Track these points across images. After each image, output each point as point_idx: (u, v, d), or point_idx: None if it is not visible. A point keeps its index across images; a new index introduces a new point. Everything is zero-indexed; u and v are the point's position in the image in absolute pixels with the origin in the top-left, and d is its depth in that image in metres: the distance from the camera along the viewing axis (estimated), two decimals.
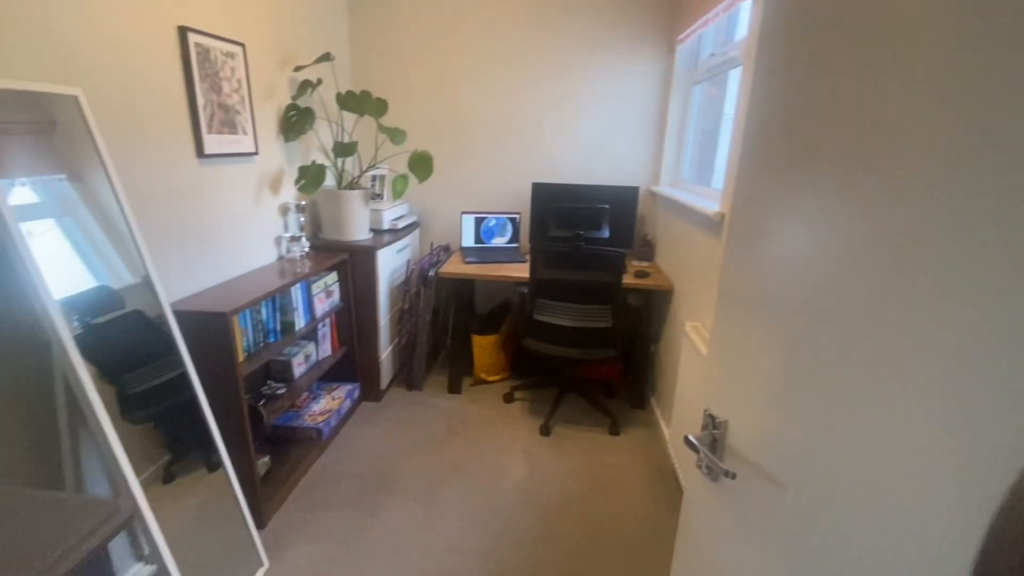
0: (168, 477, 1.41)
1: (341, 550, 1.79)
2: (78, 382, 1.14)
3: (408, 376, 2.95)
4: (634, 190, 2.93)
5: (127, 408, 1.29)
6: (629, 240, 2.98)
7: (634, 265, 2.82)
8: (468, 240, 3.08)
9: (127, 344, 1.33)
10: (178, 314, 1.54)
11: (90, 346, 1.20)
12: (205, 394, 1.55)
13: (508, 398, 2.83)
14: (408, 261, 3.09)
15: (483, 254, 2.94)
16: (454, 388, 2.91)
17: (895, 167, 0.44)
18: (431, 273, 2.78)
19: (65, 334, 1.12)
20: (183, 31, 1.68)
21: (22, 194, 1.11)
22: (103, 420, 1.18)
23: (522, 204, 3.21)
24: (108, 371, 1.25)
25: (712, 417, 0.72)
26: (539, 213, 3.01)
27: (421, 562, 1.75)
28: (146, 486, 1.29)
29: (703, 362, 1.79)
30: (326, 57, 2.38)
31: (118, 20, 1.44)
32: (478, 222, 3.07)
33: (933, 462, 0.39)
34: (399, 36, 2.99)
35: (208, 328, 1.63)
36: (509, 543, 1.85)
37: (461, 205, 3.25)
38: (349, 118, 2.79)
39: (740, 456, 0.67)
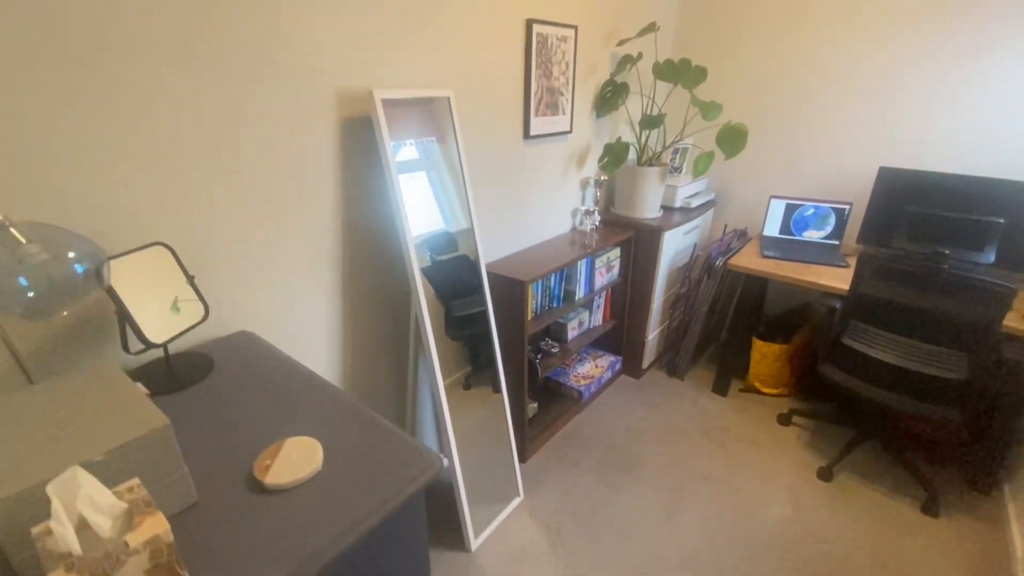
0: (467, 385, 1.78)
1: (582, 513, 1.94)
2: (418, 301, 1.51)
3: (671, 362, 2.87)
4: None
5: (450, 326, 1.66)
6: None
7: None
8: (772, 229, 2.67)
9: (457, 278, 1.68)
10: (490, 275, 1.84)
11: (434, 275, 1.57)
12: (499, 344, 1.85)
13: (784, 420, 2.46)
14: (695, 244, 2.91)
15: (788, 248, 2.51)
16: (719, 388, 2.69)
17: None
18: (719, 262, 2.54)
19: (415, 264, 1.48)
20: (529, 24, 1.86)
21: (408, 152, 1.47)
22: (430, 333, 1.53)
23: (858, 192, 2.57)
24: (442, 295, 1.62)
25: None
26: (882, 208, 2.35)
27: (651, 559, 1.76)
28: (450, 389, 1.66)
29: None
30: (651, 28, 2.30)
31: (483, 24, 1.70)
32: (790, 209, 2.61)
33: None
34: None
35: (509, 290, 1.91)
36: None
37: (771, 187, 2.82)
38: (662, 89, 2.68)
39: None
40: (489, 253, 2.06)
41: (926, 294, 1.74)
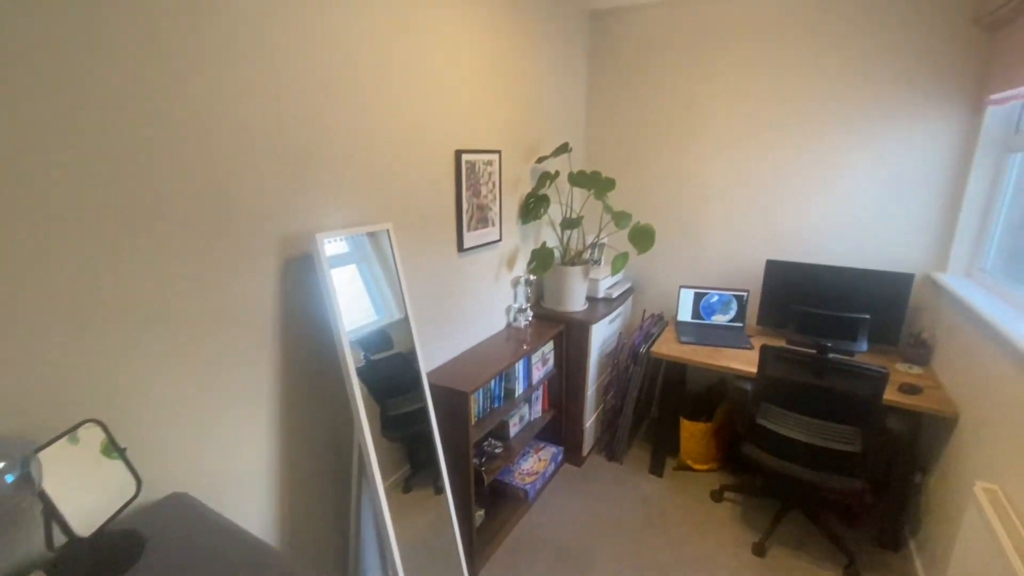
0: (407, 488, 1.72)
1: None
2: (354, 398, 1.49)
3: (609, 445, 2.97)
4: (907, 277, 2.40)
5: (387, 426, 1.63)
6: (895, 336, 2.45)
7: (900, 370, 2.30)
8: (685, 314, 2.95)
9: (392, 377, 1.67)
10: (432, 387, 1.87)
11: (369, 375, 1.56)
12: (443, 456, 1.84)
13: (716, 496, 2.60)
14: (620, 333, 3.12)
15: (701, 332, 2.78)
16: (656, 469, 2.80)
17: None
18: (642, 350, 2.75)
19: (351, 363, 1.48)
20: (458, 153, 2.05)
21: (338, 246, 1.48)
22: (366, 429, 1.51)
23: (752, 281, 2.94)
24: (377, 395, 1.59)
25: None
26: (773, 293, 2.71)
27: None
28: (390, 493, 1.60)
29: (998, 554, 1.35)
30: (564, 148, 2.60)
31: (416, 159, 1.85)
32: (698, 297, 2.92)
33: None
34: (632, 117, 3.07)
35: (452, 401, 1.94)
36: None
37: (680, 276, 3.14)
38: (578, 196, 2.97)
39: None
40: (430, 361, 2.10)
41: (819, 378, 2.01)
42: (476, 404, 2.15)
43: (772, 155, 2.75)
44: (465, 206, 2.12)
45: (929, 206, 2.46)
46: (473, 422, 2.12)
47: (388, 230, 1.66)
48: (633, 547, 2.28)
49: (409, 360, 1.76)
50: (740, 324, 2.85)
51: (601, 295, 2.94)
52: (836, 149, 2.60)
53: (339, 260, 1.49)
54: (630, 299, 3.26)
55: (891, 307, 2.44)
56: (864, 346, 2.06)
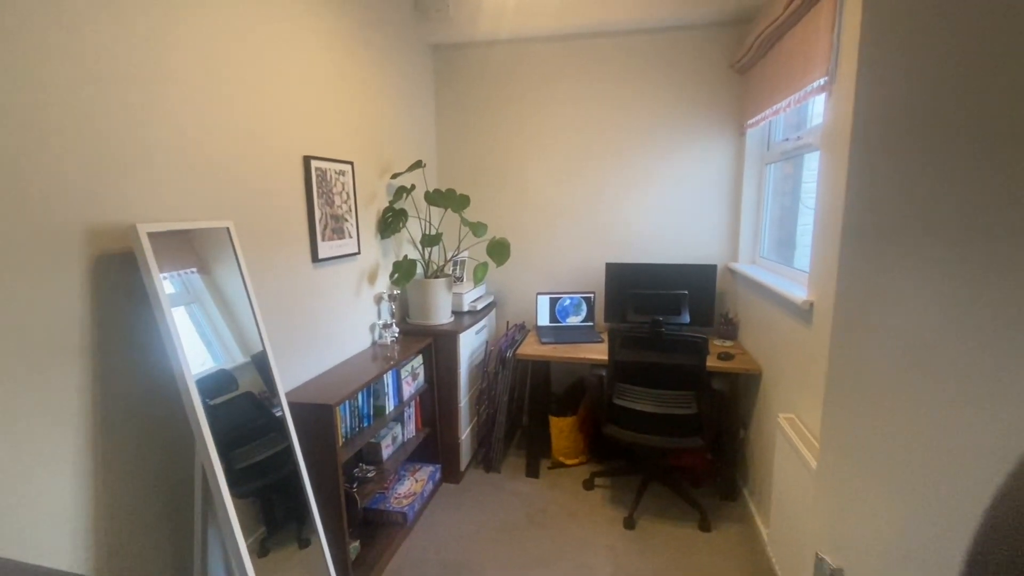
0: (263, 551, 1.50)
1: None
2: (207, 454, 1.29)
3: (486, 457, 2.97)
4: (712, 268, 2.91)
5: (233, 482, 1.40)
6: (710, 318, 2.92)
7: (716, 345, 2.74)
8: (543, 319, 3.16)
9: (238, 422, 1.46)
10: (291, 406, 1.71)
11: (209, 423, 1.34)
12: (309, 481, 1.67)
13: (588, 485, 2.76)
14: (487, 342, 3.21)
15: (559, 333, 3.00)
16: (532, 471, 2.88)
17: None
18: (508, 354, 2.86)
19: (200, 412, 1.29)
20: (307, 159, 1.98)
21: (164, 285, 1.31)
22: (224, 489, 1.31)
23: (597, 283, 3.27)
24: (220, 447, 1.37)
25: (824, 562, 0.69)
26: (614, 292, 3.05)
27: None
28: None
29: (802, 464, 1.68)
30: (418, 164, 2.68)
31: (260, 159, 1.75)
32: (553, 302, 3.15)
33: None
34: (480, 140, 3.30)
35: (315, 417, 1.79)
36: None
37: (536, 285, 3.37)
38: (436, 212, 3.06)
39: None
40: (287, 381, 1.92)
41: (657, 352, 2.30)
42: (343, 423, 2.02)
43: (597, 174, 3.16)
44: (318, 214, 2.05)
45: (720, 210, 3.04)
46: (341, 442, 1.97)
47: (228, 228, 1.53)
48: (517, 547, 2.29)
49: (259, 400, 1.56)
50: (591, 323, 3.14)
51: (466, 308, 3.00)
52: (646, 167, 3.09)
53: (170, 266, 1.32)
54: (493, 312, 3.38)
55: (704, 294, 2.92)
56: (687, 318, 2.43)
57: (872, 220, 0.66)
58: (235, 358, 1.51)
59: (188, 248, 1.41)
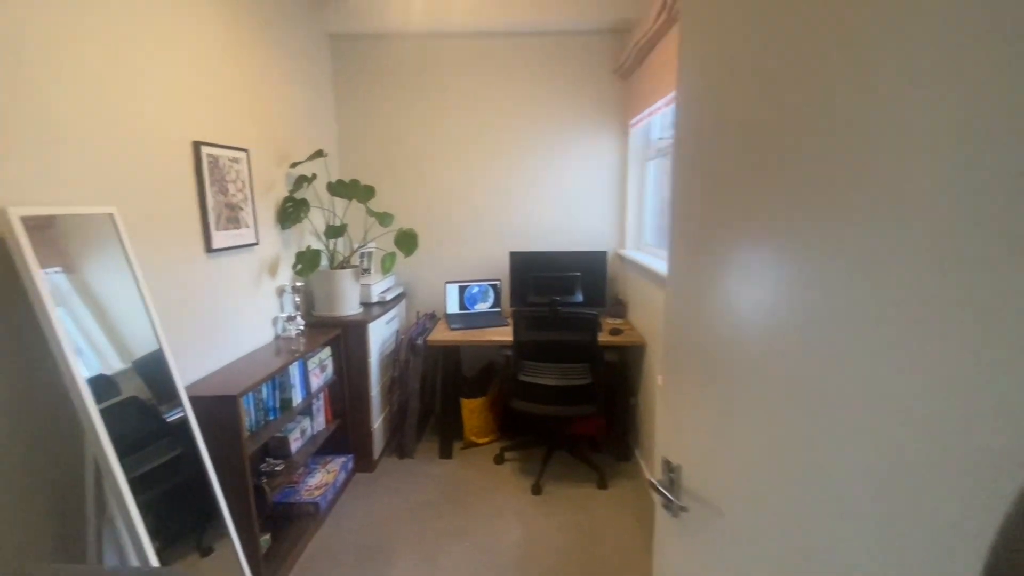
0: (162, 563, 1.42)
1: None
2: (106, 462, 1.25)
3: (399, 444, 3.03)
4: (603, 254, 3.21)
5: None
6: (602, 300, 3.21)
7: (609, 323, 3.04)
8: (453, 307, 3.27)
9: (123, 431, 1.36)
10: (191, 400, 1.66)
11: (104, 429, 1.26)
12: (215, 475, 1.65)
13: (499, 459, 2.93)
14: (397, 331, 3.25)
15: (468, 320, 3.13)
16: (445, 453, 2.99)
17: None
18: (419, 341, 2.93)
19: (95, 415, 1.24)
20: (197, 145, 1.91)
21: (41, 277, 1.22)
22: (127, 496, 1.28)
23: (502, 271, 3.44)
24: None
25: (668, 463, 0.89)
26: (518, 279, 3.24)
27: None
28: None
29: None
30: (319, 154, 2.65)
31: (144, 142, 1.67)
32: (461, 290, 3.27)
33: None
34: (385, 131, 3.31)
35: (218, 410, 1.75)
36: None
37: (445, 275, 3.47)
38: (340, 203, 3.03)
39: (691, 493, 0.84)
40: (186, 377, 1.84)
41: (555, 330, 2.51)
42: (248, 417, 1.98)
43: (501, 168, 3.33)
44: (211, 202, 1.98)
45: (610, 202, 3.35)
46: (246, 435, 1.94)
47: (112, 215, 1.45)
48: (432, 523, 2.39)
49: (146, 404, 1.45)
50: (498, 309, 3.31)
51: (375, 299, 3.02)
52: (545, 162, 3.31)
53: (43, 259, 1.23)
54: (403, 302, 3.42)
55: (597, 278, 3.21)
56: (580, 297, 2.68)
57: (684, 212, 0.87)
58: (112, 362, 1.39)
59: (53, 245, 1.28)
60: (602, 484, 2.66)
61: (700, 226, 0.81)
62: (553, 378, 2.60)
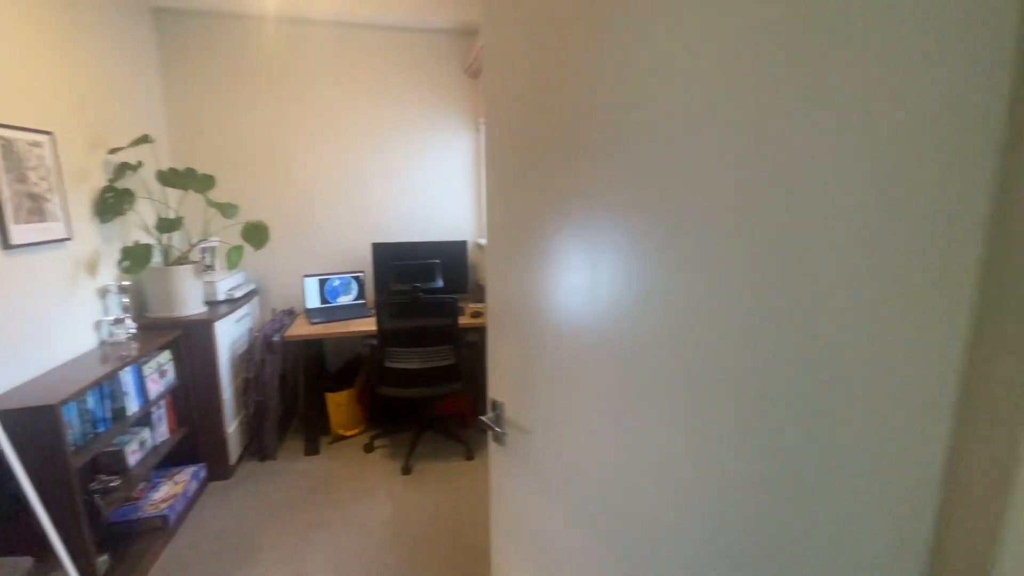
0: None
1: None
2: None
3: (260, 447, 2.90)
4: (463, 244, 3.40)
5: None
6: (464, 286, 3.41)
7: (472, 307, 3.24)
8: (313, 302, 3.20)
9: None
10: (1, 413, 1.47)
11: None
12: (34, 497, 1.48)
13: (368, 448, 2.97)
14: (250, 329, 3.09)
15: (330, 313, 3.10)
16: (311, 450, 2.94)
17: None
18: (275, 338, 2.84)
19: None
20: None
21: None
22: None
23: (366, 262, 3.45)
24: None
25: (494, 401, 1.09)
26: (381, 270, 3.29)
27: None
28: None
29: None
30: (144, 139, 2.41)
31: None
32: (322, 283, 3.22)
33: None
34: (222, 115, 3.09)
35: (32, 424, 1.56)
36: None
37: (303, 268, 3.36)
38: (175, 194, 2.78)
39: (510, 422, 1.04)
40: None
41: (418, 315, 2.64)
42: (71, 431, 1.78)
43: (360, 159, 3.33)
44: (6, 192, 1.73)
45: (468, 193, 3.55)
46: (71, 450, 1.75)
47: None
48: (298, 517, 2.37)
49: None
50: (363, 301, 3.32)
51: (221, 297, 2.84)
52: (404, 155, 3.40)
53: None
54: (256, 300, 3.25)
55: (459, 265, 3.39)
56: (441, 283, 2.85)
57: (493, 193, 1.07)
58: None
59: None
60: (469, 456, 2.87)
61: (504, 210, 1.02)
62: (418, 362, 2.72)
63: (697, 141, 0.59)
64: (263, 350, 2.85)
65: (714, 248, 0.59)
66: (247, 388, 2.93)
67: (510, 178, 0.98)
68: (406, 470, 2.73)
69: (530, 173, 0.91)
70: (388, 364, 2.73)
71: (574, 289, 0.82)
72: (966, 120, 0.42)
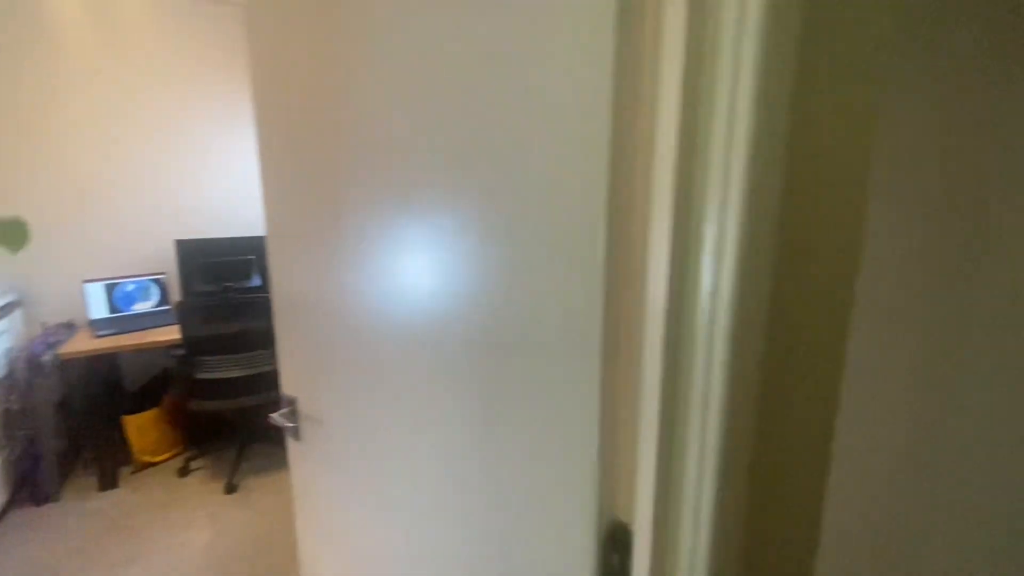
0: None
1: None
2: None
3: (34, 490, 2.41)
4: None
5: None
6: None
7: None
8: (100, 311, 2.73)
9: None
10: None
11: None
12: None
13: (183, 472, 2.65)
14: (10, 349, 2.52)
15: (123, 324, 2.67)
16: (108, 484, 2.53)
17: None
18: (46, 357, 2.36)
19: None
20: None
21: None
22: None
23: (169, 263, 3.03)
24: None
25: (288, 397, 1.08)
26: (188, 270, 2.92)
27: None
28: None
29: None
30: None
31: None
32: (109, 289, 2.75)
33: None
34: None
35: None
36: None
37: (83, 273, 2.84)
38: None
39: (305, 415, 1.04)
40: None
41: (231, 318, 2.42)
42: None
43: (149, 145, 2.91)
44: None
45: None
46: None
47: None
48: (97, 562, 2.03)
49: None
50: (167, 307, 2.92)
51: None
52: (207, 146, 3.06)
53: None
54: (18, 312, 2.65)
55: None
56: (259, 281, 2.64)
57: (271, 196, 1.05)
58: None
59: None
60: None
61: (278, 199, 1.01)
62: (237, 370, 2.50)
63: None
64: (28, 373, 2.35)
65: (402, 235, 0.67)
66: (10, 421, 2.39)
67: (278, 168, 0.97)
68: (230, 489, 2.50)
69: (293, 160, 0.92)
70: (200, 375, 2.46)
71: (345, 277, 0.85)
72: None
